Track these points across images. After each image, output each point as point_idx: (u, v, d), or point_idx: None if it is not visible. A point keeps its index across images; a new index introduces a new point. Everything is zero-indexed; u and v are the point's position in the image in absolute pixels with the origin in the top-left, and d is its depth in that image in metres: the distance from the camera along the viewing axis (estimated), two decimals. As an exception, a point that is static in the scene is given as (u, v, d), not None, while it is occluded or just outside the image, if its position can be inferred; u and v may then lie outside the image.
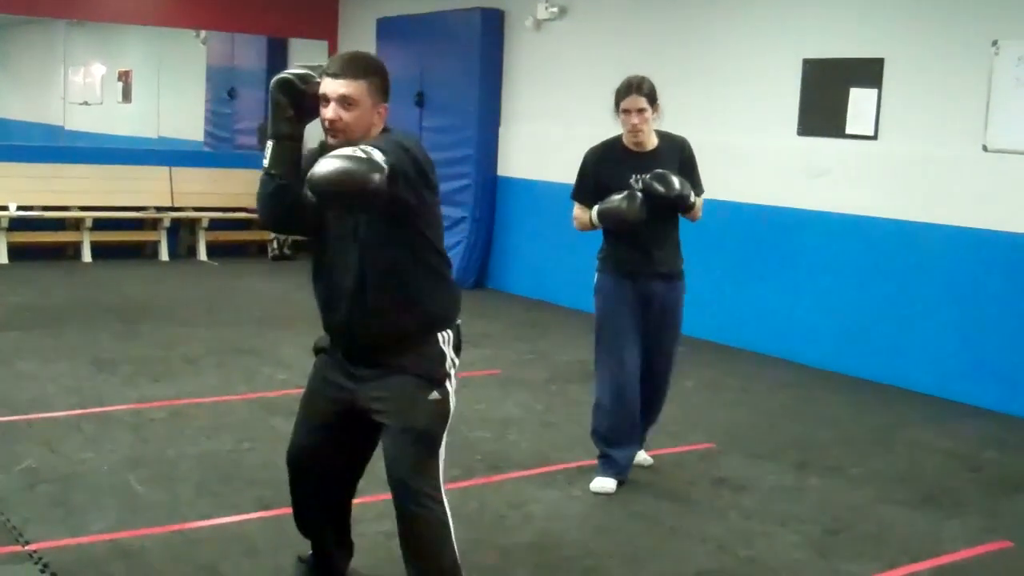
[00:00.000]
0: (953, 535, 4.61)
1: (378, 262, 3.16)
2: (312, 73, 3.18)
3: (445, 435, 3.27)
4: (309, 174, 2.86)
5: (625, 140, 4.87)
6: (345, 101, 3.10)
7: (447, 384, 3.26)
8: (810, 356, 7.67)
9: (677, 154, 4.87)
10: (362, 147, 2.91)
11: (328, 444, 3.40)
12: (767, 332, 7.97)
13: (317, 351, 3.47)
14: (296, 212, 3.20)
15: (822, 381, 7.30)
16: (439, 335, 3.26)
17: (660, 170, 4.72)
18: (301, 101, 3.15)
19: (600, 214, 4.80)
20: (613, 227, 4.85)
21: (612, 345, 4.90)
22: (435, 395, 3.22)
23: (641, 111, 4.73)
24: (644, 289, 4.87)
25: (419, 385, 3.21)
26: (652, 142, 4.84)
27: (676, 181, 4.70)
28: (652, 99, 4.76)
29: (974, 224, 6.82)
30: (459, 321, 3.36)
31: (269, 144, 3.18)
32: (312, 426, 3.41)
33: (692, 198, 4.78)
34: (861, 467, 5.49)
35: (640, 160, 4.80)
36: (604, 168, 4.87)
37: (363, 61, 3.19)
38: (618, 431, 4.92)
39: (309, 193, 2.91)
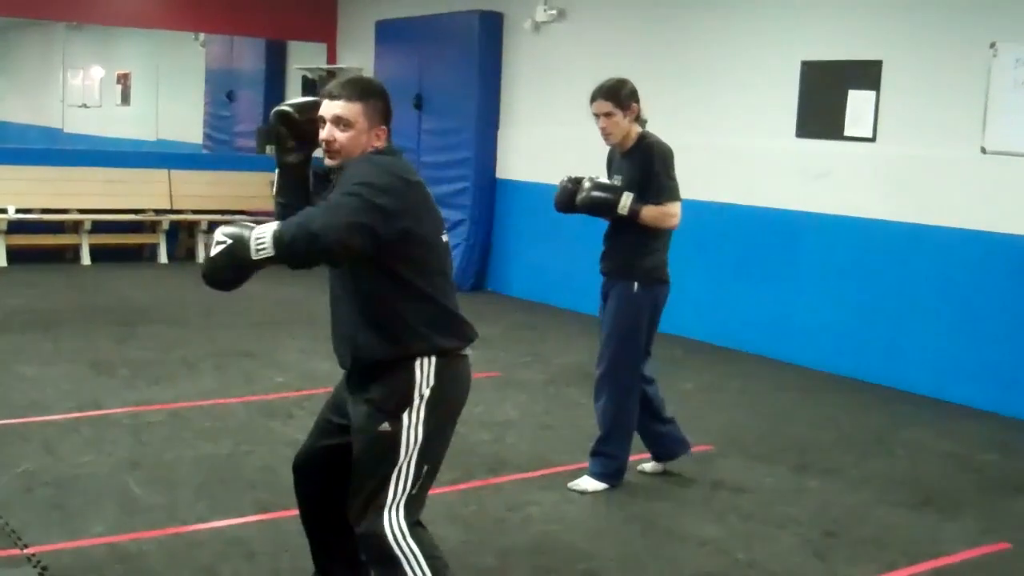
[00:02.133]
0: (952, 537, 4.61)
1: (360, 290, 3.12)
2: (317, 100, 3.24)
3: (405, 466, 3.06)
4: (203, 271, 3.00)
5: None
6: (340, 122, 3.11)
7: (405, 415, 3.07)
8: (809, 358, 7.67)
9: (641, 160, 4.78)
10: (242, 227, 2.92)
11: (326, 451, 3.36)
12: (766, 334, 7.97)
13: None
14: None
15: (821, 383, 7.30)
16: (417, 361, 3.08)
17: (596, 179, 4.80)
18: (301, 130, 3.27)
19: None
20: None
21: None
22: (385, 426, 3.08)
23: (607, 115, 4.76)
24: (602, 288, 5.00)
25: (370, 415, 3.10)
26: (631, 144, 4.83)
27: (591, 190, 4.74)
28: (621, 102, 4.75)
29: (972, 226, 6.82)
30: (463, 348, 3.19)
31: (276, 172, 3.35)
32: (316, 432, 3.43)
33: (626, 208, 4.67)
34: (860, 469, 5.49)
35: (620, 161, 4.89)
36: (608, 167, 5.02)
37: (361, 83, 3.20)
38: None
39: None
